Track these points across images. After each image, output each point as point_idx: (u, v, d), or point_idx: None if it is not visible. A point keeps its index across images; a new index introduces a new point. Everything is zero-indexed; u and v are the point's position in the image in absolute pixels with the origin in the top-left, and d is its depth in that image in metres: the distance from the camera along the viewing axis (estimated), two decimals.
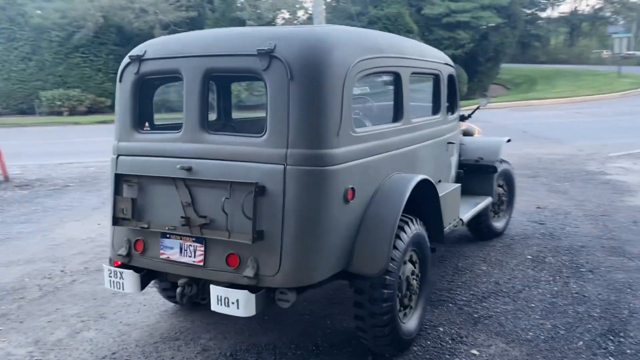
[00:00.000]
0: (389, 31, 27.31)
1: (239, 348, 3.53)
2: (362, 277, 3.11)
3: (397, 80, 3.55)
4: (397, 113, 3.60)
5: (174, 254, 2.99)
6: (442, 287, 4.53)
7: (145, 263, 3.11)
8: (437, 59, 4.33)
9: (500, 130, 15.93)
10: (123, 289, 3.12)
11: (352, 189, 2.93)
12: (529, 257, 5.28)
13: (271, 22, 27.15)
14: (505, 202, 5.97)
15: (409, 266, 3.44)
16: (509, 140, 5.95)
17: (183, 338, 3.69)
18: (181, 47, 3.06)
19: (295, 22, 31.56)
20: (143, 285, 3.16)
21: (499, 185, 5.82)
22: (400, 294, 3.33)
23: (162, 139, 3.10)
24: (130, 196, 3.06)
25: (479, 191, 5.39)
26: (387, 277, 3.10)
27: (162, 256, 3.04)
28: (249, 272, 2.75)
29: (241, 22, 24.99)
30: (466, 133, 6.20)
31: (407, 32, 27.78)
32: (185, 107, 2.99)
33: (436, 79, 4.36)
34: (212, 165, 2.89)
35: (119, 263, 3.21)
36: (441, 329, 3.78)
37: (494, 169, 5.30)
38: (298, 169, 2.71)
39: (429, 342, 3.58)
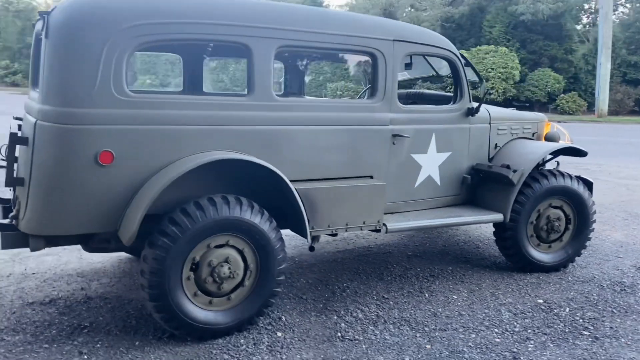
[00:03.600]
0: None
1: (87, 295, 3.83)
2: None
3: (247, 51, 3.25)
4: (248, 88, 3.30)
5: None
6: (365, 300, 3.88)
7: None
8: (373, 34, 3.65)
9: None
10: None
11: (110, 152, 2.92)
12: (540, 301, 4.00)
13: (555, 17, 24.47)
14: (566, 231, 4.55)
15: (223, 252, 3.16)
16: (579, 153, 4.54)
17: (73, 279, 4.19)
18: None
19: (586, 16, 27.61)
20: None
21: (556, 207, 4.49)
22: (194, 276, 3.12)
23: (34, 97, 3.58)
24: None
25: (490, 205, 4.31)
26: (156, 251, 2.98)
27: None
28: (14, 213, 3.07)
29: (516, 17, 23.32)
30: (549, 138, 4.96)
31: None
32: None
33: (372, 58, 3.71)
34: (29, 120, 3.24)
35: None
36: (279, 334, 3.34)
37: (508, 181, 4.13)
38: (42, 124, 2.87)
39: (242, 341, 3.23)
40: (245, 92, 3.33)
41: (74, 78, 2.85)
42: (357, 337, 3.35)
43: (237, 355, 3.07)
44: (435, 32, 4.21)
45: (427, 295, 4.04)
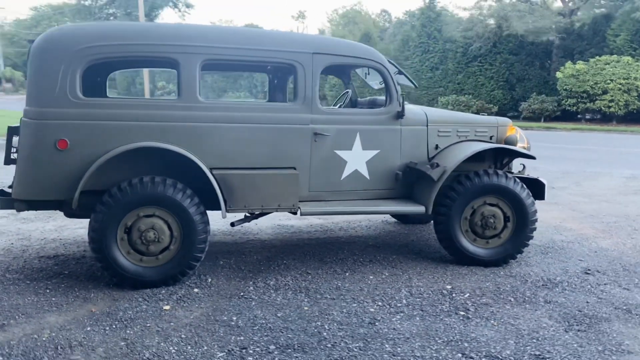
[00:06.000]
0: None
1: (84, 255, 4.94)
2: None
3: (176, 64, 4.15)
4: (178, 92, 4.21)
5: None
6: (287, 273, 4.54)
7: None
8: (292, 48, 4.33)
9: None
10: None
11: (65, 140, 3.98)
12: (449, 287, 4.35)
13: None
14: (503, 228, 4.79)
15: (150, 220, 4.07)
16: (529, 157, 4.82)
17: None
18: None
19: None
20: None
21: (492, 205, 4.78)
22: (127, 238, 4.06)
23: None
24: None
25: (419, 198, 4.73)
26: (97, 216, 3.99)
27: None
28: (11, 184, 4.27)
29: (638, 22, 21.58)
30: (507, 142, 5.24)
31: None
32: None
33: (293, 68, 4.39)
34: None
35: None
36: (196, 290, 4.15)
37: (429, 177, 4.54)
38: (23, 119, 4.02)
39: (163, 292, 4.09)
40: (176, 96, 4.24)
41: (42, 87, 3.97)
42: (253, 296, 4.06)
43: (149, 300, 3.95)
44: (361, 45, 4.77)
45: (347, 274, 4.59)
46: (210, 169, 4.21)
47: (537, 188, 5.00)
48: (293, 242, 5.59)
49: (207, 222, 4.20)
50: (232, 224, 4.52)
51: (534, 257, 5.14)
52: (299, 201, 4.49)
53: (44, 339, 3.33)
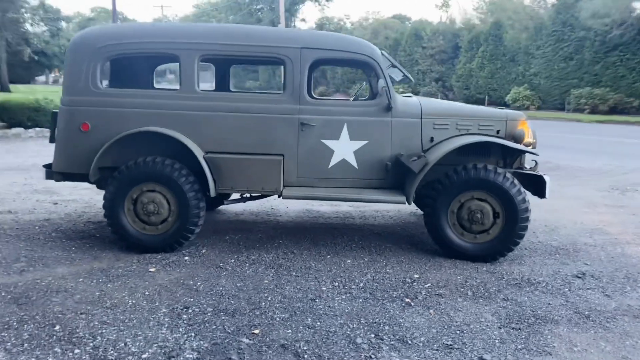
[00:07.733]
0: None
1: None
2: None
3: (177, 59, 4.74)
4: (179, 84, 4.80)
5: None
6: (274, 251, 4.95)
7: None
8: (281, 44, 4.69)
9: None
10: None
11: (87, 123, 4.78)
12: (416, 276, 4.46)
13: None
14: (492, 224, 4.73)
15: (151, 195, 4.73)
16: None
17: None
18: None
19: None
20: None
21: (481, 200, 4.75)
22: (133, 209, 4.77)
23: None
24: None
25: (405, 189, 4.85)
26: (109, 188, 4.75)
27: None
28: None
29: None
30: (514, 137, 5.15)
31: None
32: None
33: (282, 62, 4.75)
34: None
35: None
36: (186, 258, 4.74)
37: (410, 170, 4.64)
38: (60, 106, 4.91)
39: (158, 256, 4.74)
40: (178, 87, 4.85)
41: (72, 78, 4.81)
42: (228, 267, 4.54)
43: (142, 262, 4.62)
44: (353, 38, 4.95)
45: (328, 257, 4.87)
46: (206, 152, 4.76)
47: (540, 185, 4.85)
48: (306, 225, 5.97)
49: (201, 199, 4.76)
50: (223, 202, 5.03)
51: (534, 257, 4.99)
52: (287, 186, 4.87)
53: (43, 284, 4.13)
